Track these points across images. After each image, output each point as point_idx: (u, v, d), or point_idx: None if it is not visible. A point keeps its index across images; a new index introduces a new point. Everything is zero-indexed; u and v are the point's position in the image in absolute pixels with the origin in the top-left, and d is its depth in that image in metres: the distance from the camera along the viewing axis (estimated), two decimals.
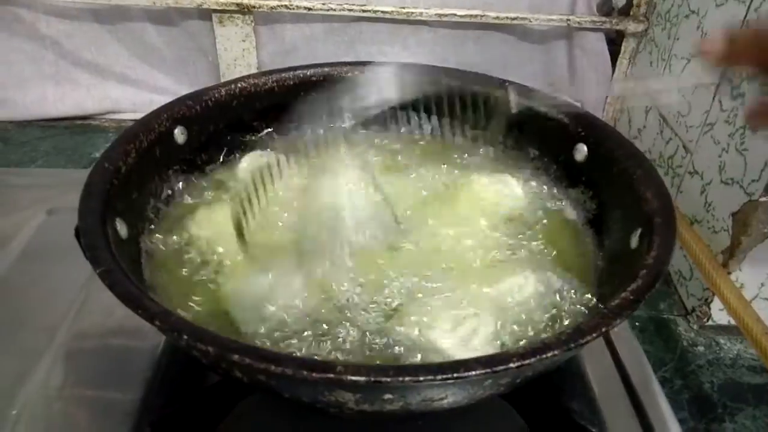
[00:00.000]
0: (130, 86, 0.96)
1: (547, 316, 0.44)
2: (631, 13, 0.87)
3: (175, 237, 0.49)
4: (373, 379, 0.30)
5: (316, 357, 0.40)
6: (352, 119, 0.54)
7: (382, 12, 0.87)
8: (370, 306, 0.44)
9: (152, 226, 0.49)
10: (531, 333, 0.42)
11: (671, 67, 0.76)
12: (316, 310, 0.43)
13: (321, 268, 0.46)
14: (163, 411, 0.46)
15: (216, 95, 0.54)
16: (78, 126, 0.95)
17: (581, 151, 0.53)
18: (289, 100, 0.56)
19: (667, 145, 0.75)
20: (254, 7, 0.87)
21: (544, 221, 0.53)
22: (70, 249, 0.38)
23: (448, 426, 0.47)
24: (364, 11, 0.87)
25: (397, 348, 0.41)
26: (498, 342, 0.41)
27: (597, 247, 0.50)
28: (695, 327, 0.66)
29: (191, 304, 0.44)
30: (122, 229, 0.43)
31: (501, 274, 0.46)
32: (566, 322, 0.43)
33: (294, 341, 0.41)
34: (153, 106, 0.51)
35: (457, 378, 0.31)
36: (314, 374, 0.30)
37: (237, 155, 0.57)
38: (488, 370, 0.31)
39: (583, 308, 0.44)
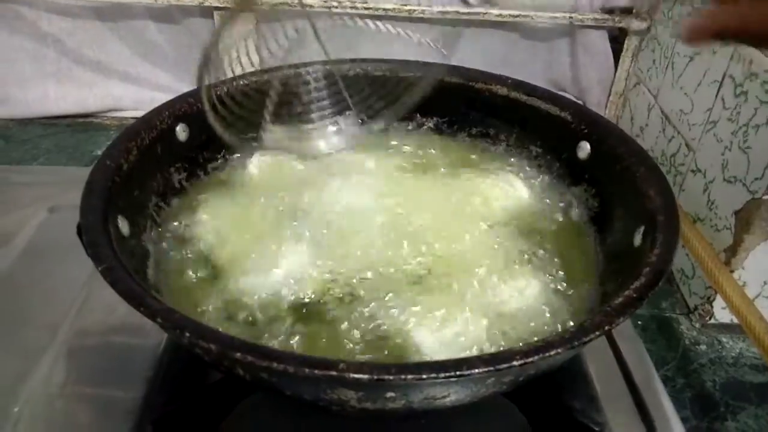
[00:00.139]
0: (132, 84, 0.96)
1: (548, 316, 0.44)
2: (634, 11, 0.87)
3: (176, 234, 0.49)
4: (375, 377, 0.30)
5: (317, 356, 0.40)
6: (354, 117, 0.54)
7: (384, 9, 0.87)
8: (366, 299, 0.44)
9: (154, 224, 0.49)
10: (531, 335, 0.42)
11: (674, 66, 0.76)
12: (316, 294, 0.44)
13: (321, 260, 0.46)
14: (165, 409, 0.46)
15: (218, 92, 0.54)
16: (79, 124, 0.95)
17: (584, 148, 0.53)
18: (291, 97, 0.56)
19: (670, 143, 0.75)
20: (256, 4, 0.86)
21: (547, 220, 0.52)
22: (71, 246, 0.38)
23: (450, 424, 0.47)
24: (365, 9, 0.87)
25: (381, 341, 0.41)
26: (487, 345, 0.41)
27: (599, 245, 0.50)
28: (697, 325, 0.66)
29: (191, 301, 0.44)
30: (124, 226, 0.43)
31: (502, 275, 0.46)
32: (569, 323, 0.43)
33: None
34: (155, 104, 0.51)
35: (459, 376, 0.31)
36: (316, 372, 0.30)
37: (238, 153, 0.57)
38: (491, 368, 0.31)
39: (585, 307, 0.44)
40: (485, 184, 0.55)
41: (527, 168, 0.57)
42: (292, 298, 0.44)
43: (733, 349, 0.63)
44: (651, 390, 0.51)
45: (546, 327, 0.43)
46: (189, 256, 0.47)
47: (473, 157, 0.59)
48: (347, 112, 0.51)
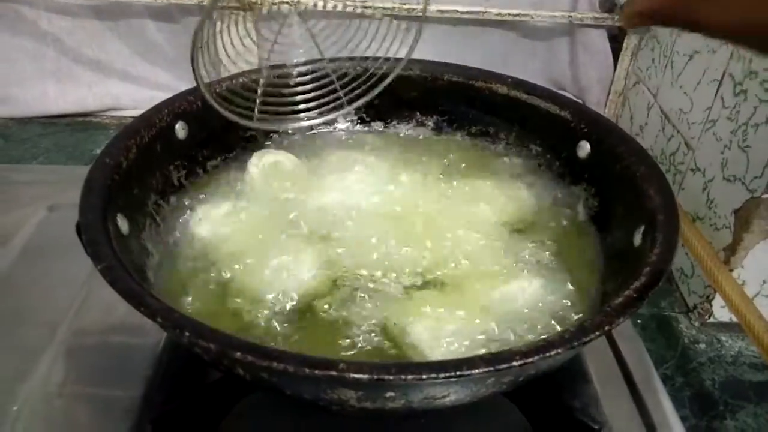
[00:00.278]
0: (131, 83, 0.95)
1: (548, 316, 0.44)
2: None
3: (176, 233, 0.49)
4: (375, 377, 0.30)
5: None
6: (353, 115, 0.54)
7: (383, 8, 0.87)
8: (366, 299, 0.44)
9: (153, 222, 0.48)
10: (531, 334, 0.42)
11: (673, 64, 0.76)
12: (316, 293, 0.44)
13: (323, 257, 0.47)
14: (164, 408, 0.46)
15: (217, 90, 0.54)
16: (79, 123, 0.94)
17: (584, 147, 0.53)
18: (292, 95, 0.56)
19: (669, 142, 0.75)
20: (255, 3, 0.86)
21: (546, 219, 0.52)
22: (71, 245, 0.38)
23: (450, 424, 0.47)
24: (365, 8, 0.87)
25: (376, 337, 0.41)
26: (487, 345, 0.41)
27: (599, 244, 0.50)
28: (697, 324, 0.66)
29: (192, 300, 0.44)
30: (123, 225, 0.43)
31: (502, 275, 0.46)
32: (569, 323, 0.43)
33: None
34: (154, 103, 0.51)
35: (459, 376, 0.31)
36: (316, 372, 0.30)
37: (238, 151, 0.57)
38: (491, 368, 0.31)
39: (585, 307, 0.44)
40: (485, 184, 0.55)
41: (527, 167, 0.57)
42: (292, 297, 0.44)
43: (732, 348, 0.63)
44: (650, 389, 0.51)
45: (546, 327, 0.43)
46: (188, 254, 0.47)
47: (473, 155, 0.59)
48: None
